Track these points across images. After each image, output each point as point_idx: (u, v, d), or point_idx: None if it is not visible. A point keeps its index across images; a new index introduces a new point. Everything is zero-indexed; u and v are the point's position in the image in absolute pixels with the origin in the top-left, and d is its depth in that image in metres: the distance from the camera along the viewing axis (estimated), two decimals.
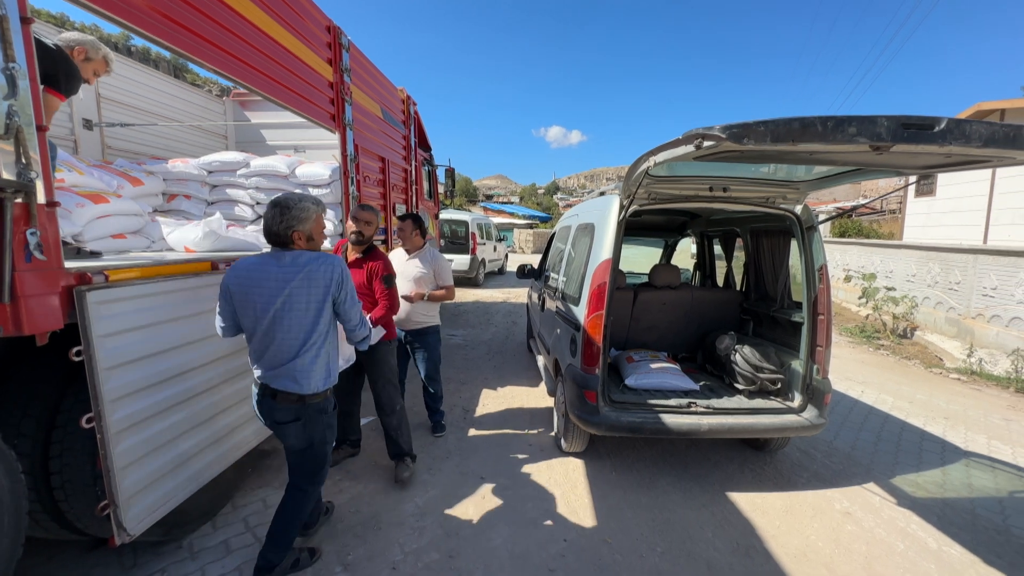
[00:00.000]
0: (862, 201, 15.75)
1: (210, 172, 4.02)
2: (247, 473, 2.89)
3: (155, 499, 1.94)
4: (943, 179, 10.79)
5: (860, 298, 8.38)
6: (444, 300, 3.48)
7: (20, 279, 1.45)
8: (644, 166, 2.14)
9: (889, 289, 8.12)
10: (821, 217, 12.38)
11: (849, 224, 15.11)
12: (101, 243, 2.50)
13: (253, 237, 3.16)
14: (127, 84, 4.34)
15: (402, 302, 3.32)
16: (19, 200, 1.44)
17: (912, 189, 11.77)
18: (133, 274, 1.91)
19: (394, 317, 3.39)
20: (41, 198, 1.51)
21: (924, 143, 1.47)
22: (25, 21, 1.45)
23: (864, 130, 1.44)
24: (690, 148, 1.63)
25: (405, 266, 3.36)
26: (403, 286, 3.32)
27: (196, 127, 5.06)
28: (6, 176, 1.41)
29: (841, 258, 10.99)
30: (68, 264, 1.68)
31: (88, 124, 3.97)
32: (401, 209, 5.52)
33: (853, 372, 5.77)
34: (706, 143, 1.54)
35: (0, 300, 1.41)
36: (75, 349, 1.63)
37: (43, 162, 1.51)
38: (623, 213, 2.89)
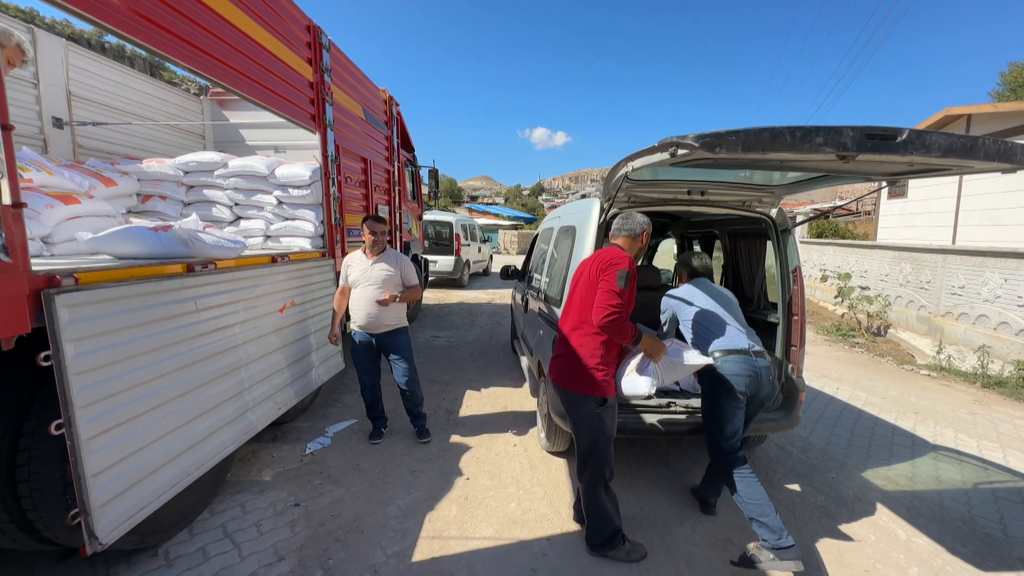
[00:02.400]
0: (838, 203, 16.16)
1: (186, 173, 3.95)
2: (225, 478, 2.85)
3: (129, 506, 1.89)
4: (914, 182, 11.13)
5: (836, 297, 8.60)
6: (412, 300, 3.50)
7: None
8: (623, 171, 2.18)
9: (864, 288, 8.35)
10: (799, 219, 12.67)
11: (826, 225, 15.47)
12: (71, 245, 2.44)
13: (230, 238, 3.10)
14: (100, 82, 4.23)
15: (371, 305, 3.29)
16: None
17: (885, 191, 12.11)
18: (105, 276, 1.87)
19: (364, 321, 3.36)
20: (6, 199, 1.47)
21: (887, 153, 1.53)
22: None
23: (830, 140, 1.49)
24: (665, 155, 1.66)
25: (371, 269, 3.33)
26: (371, 289, 3.30)
27: (172, 126, 4.96)
28: None
29: (818, 258, 11.26)
30: (36, 266, 1.64)
31: (58, 123, 3.86)
32: (384, 211, 5.49)
33: (829, 369, 5.92)
34: (680, 151, 1.58)
35: None
36: (43, 354, 1.58)
37: (8, 161, 1.47)
38: (603, 216, 2.92)
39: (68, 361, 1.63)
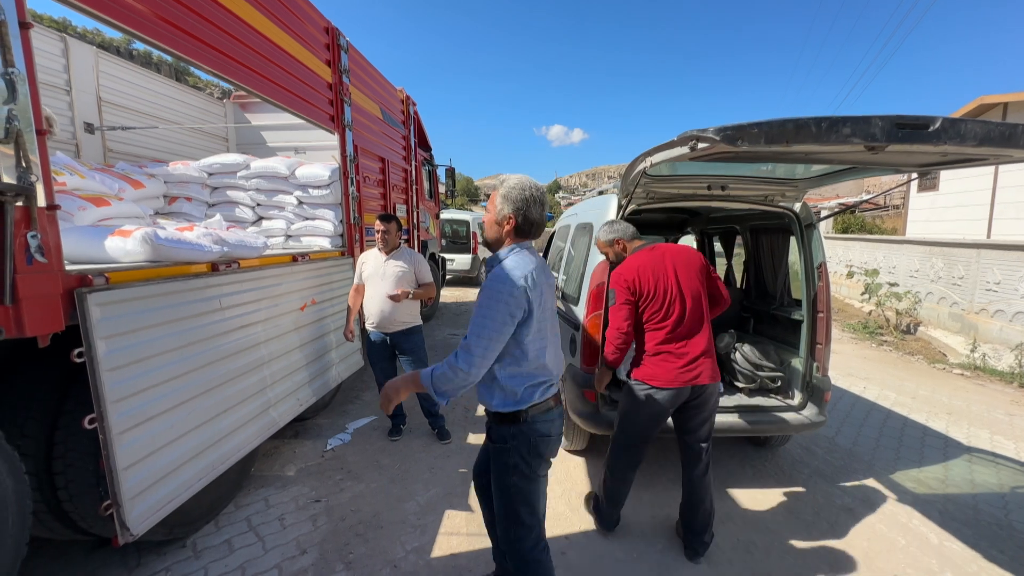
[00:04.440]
0: (865, 197, 15.68)
1: (211, 174, 4.04)
2: (249, 473, 2.92)
3: (158, 499, 1.95)
4: (946, 174, 10.75)
5: (863, 294, 8.35)
6: (427, 297, 3.48)
7: (22, 281, 1.46)
8: (641, 167, 2.15)
9: (892, 285, 8.09)
10: (823, 213, 12.34)
11: (852, 220, 15.04)
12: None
13: (253, 238, 3.17)
14: (128, 88, 4.36)
15: (384, 302, 3.30)
16: (20, 203, 1.46)
17: (915, 184, 11.72)
18: (134, 276, 1.92)
19: (377, 319, 3.37)
20: (42, 201, 1.52)
21: (919, 143, 1.47)
22: (24, 26, 1.46)
23: (859, 130, 1.44)
24: (685, 150, 1.63)
25: (385, 266, 3.34)
26: (385, 286, 3.30)
27: (197, 130, 5.08)
28: (7, 180, 1.42)
29: (844, 254, 10.95)
30: (69, 266, 1.70)
31: (89, 128, 3.99)
32: (402, 209, 5.53)
33: (856, 368, 5.76)
34: (700, 145, 1.54)
35: (2, 302, 1.43)
36: (77, 350, 1.64)
37: (43, 165, 1.53)
38: (621, 213, 2.89)
39: (100, 357, 1.68)
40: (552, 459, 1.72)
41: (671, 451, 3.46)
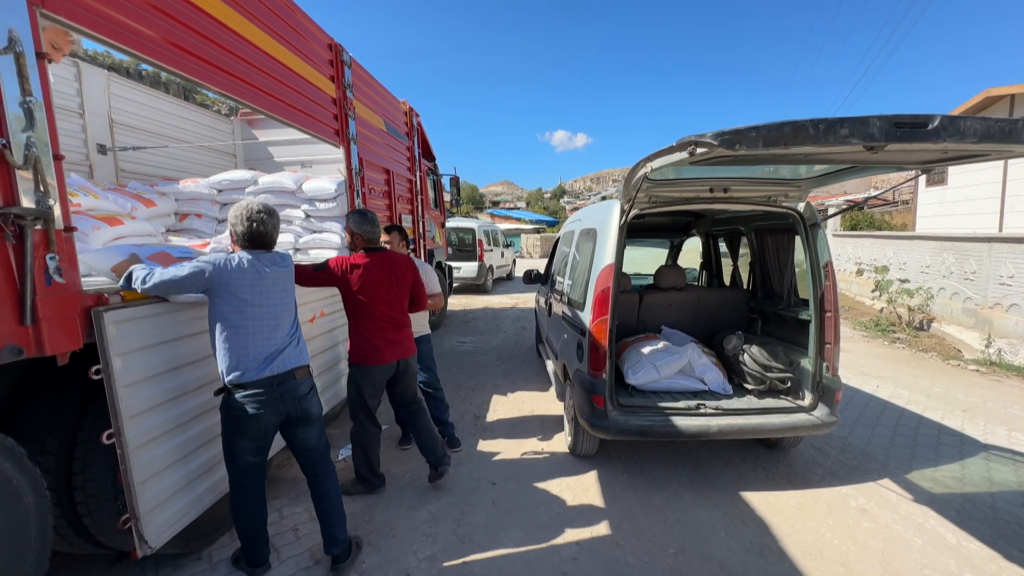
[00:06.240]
0: (873, 193, 15.53)
1: (220, 191, 4.12)
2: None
3: (175, 512, 1.99)
4: (954, 168, 10.64)
5: (873, 291, 8.26)
6: (434, 308, 3.46)
7: (41, 302, 1.51)
8: (641, 172, 2.17)
9: (903, 281, 8.00)
10: (831, 211, 12.23)
11: (860, 217, 14.91)
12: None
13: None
14: (139, 108, 4.47)
15: None
16: (39, 227, 1.51)
17: (923, 179, 11.61)
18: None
19: None
20: (59, 224, 1.57)
21: (918, 141, 1.47)
22: (40, 56, 1.52)
23: (857, 131, 1.45)
24: (684, 155, 1.65)
25: None
26: None
27: (206, 147, 5.18)
28: (26, 204, 1.47)
29: (853, 251, 10.85)
30: (86, 286, 1.75)
31: (102, 149, 4.09)
32: (407, 220, 5.59)
33: (868, 367, 5.70)
34: (699, 150, 1.56)
35: (23, 323, 1.47)
36: (94, 368, 1.68)
37: (60, 189, 1.58)
38: (624, 218, 2.91)
39: (116, 374, 1.73)
40: (257, 436, 2.07)
41: (683, 454, 3.44)
